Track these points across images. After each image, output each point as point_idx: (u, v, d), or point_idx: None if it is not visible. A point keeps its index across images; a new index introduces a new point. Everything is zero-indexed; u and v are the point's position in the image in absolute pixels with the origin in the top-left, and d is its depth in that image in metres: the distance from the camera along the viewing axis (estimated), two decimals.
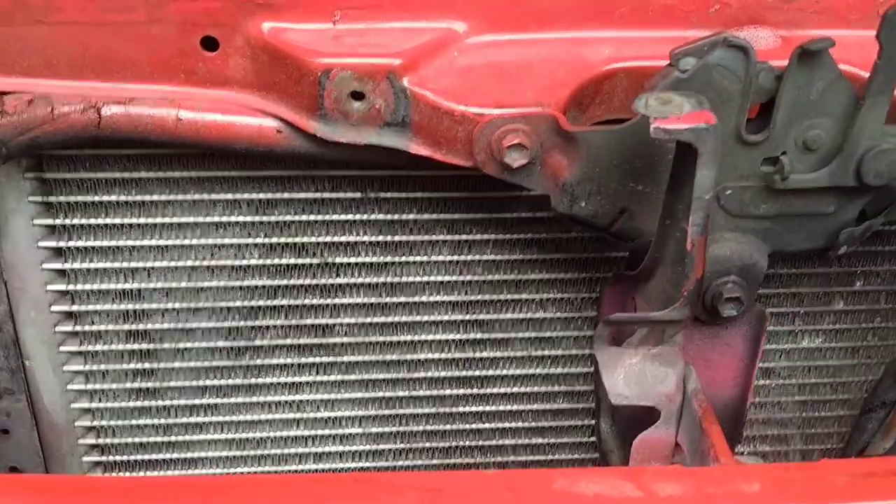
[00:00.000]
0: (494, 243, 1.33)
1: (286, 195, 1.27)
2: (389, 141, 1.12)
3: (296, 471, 1.49)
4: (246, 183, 1.26)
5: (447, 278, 1.35)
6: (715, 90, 1.03)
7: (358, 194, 1.28)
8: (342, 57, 1.08)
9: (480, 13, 1.13)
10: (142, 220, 1.26)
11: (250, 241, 1.30)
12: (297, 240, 1.30)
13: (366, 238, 1.31)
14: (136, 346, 1.36)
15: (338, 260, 1.32)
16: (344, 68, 1.07)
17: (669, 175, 1.03)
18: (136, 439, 1.45)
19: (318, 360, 1.40)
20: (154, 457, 1.47)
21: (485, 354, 1.42)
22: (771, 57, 1.07)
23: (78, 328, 1.34)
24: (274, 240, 1.30)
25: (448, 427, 1.49)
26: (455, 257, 1.33)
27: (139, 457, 1.47)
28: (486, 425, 1.50)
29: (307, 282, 1.33)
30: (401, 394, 1.45)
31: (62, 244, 1.27)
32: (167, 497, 0.95)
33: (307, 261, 1.32)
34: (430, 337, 1.40)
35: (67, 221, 1.25)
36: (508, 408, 1.48)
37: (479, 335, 1.41)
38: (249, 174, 1.25)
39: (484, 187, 1.27)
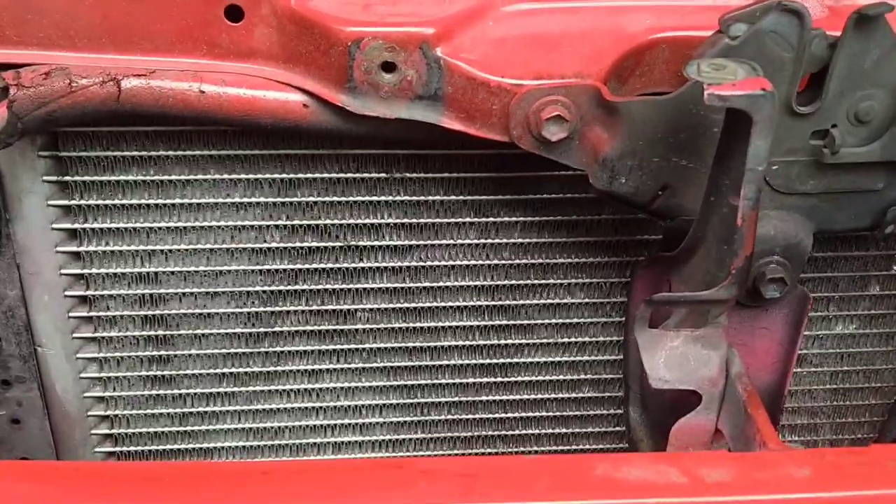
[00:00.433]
0: (522, 226, 1.29)
1: (309, 175, 1.23)
2: (421, 115, 1.08)
3: None
4: (268, 162, 1.22)
5: (473, 262, 1.31)
6: (766, 58, 1.00)
7: (383, 174, 1.24)
8: (373, 26, 1.05)
9: None
10: (160, 201, 1.23)
11: (271, 223, 1.26)
12: (320, 222, 1.26)
13: (390, 220, 1.27)
14: (152, 333, 1.32)
15: (361, 243, 1.28)
16: (375, 37, 1.03)
17: (717, 147, 0.99)
18: (151, 429, 1.41)
19: (339, 346, 1.37)
20: (169, 447, 1.43)
21: (509, 341, 1.39)
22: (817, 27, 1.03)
23: (92, 313, 1.30)
24: (296, 222, 1.26)
25: (470, 416, 1.45)
26: (482, 240, 1.30)
27: (153, 447, 1.43)
28: (510, 414, 1.46)
29: (329, 265, 1.29)
30: (423, 382, 1.41)
31: (77, 226, 1.23)
32: (190, 483, 0.91)
33: (329, 244, 1.28)
34: (454, 323, 1.36)
35: (83, 202, 1.22)
36: (533, 396, 1.45)
37: (504, 321, 1.37)
38: (271, 153, 1.21)
39: (513, 167, 1.23)
